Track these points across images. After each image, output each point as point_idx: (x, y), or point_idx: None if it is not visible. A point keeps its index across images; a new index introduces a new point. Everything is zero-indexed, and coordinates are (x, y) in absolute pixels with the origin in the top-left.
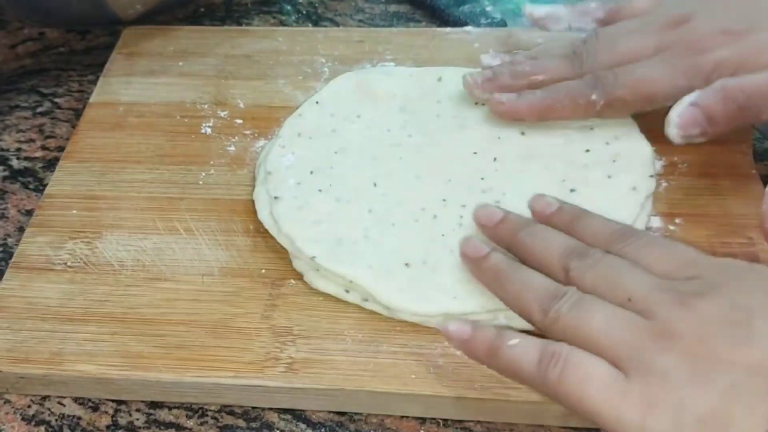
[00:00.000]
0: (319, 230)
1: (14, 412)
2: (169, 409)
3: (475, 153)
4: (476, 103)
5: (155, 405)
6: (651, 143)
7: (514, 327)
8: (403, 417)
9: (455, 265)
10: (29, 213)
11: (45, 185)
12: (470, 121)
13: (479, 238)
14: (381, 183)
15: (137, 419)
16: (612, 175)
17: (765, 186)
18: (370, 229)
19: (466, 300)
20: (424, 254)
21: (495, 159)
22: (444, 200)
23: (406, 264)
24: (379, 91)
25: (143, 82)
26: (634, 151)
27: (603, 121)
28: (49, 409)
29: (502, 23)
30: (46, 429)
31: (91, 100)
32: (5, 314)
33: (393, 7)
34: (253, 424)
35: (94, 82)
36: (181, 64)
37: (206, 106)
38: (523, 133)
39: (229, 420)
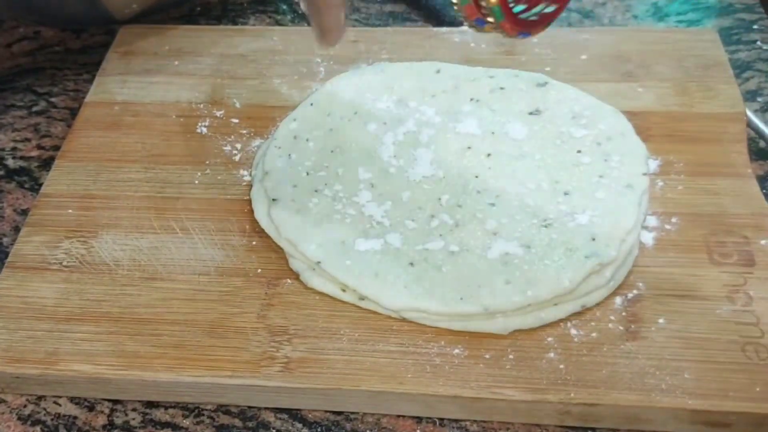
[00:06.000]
0: (319, 233)
1: (10, 412)
2: (165, 408)
3: (469, 148)
4: (471, 99)
5: (151, 404)
6: (645, 143)
7: (513, 327)
8: (399, 416)
9: (456, 264)
10: (25, 212)
11: (40, 184)
12: (464, 115)
13: None
14: (376, 182)
15: (133, 419)
16: (604, 175)
17: (760, 185)
18: (369, 231)
19: (469, 300)
20: (425, 254)
21: (489, 155)
22: (439, 199)
23: (411, 263)
24: (377, 86)
25: (139, 82)
26: (626, 151)
27: (595, 119)
28: (45, 409)
29: None
30: (41, 429)
31: (87, 99)
32: (1, 314)
33: (389, 7)
34: (249, 424)
35: (90, 81)
36: (176, 63)
37: (202, 106)
38: (515, 131)
39: (225, 419)
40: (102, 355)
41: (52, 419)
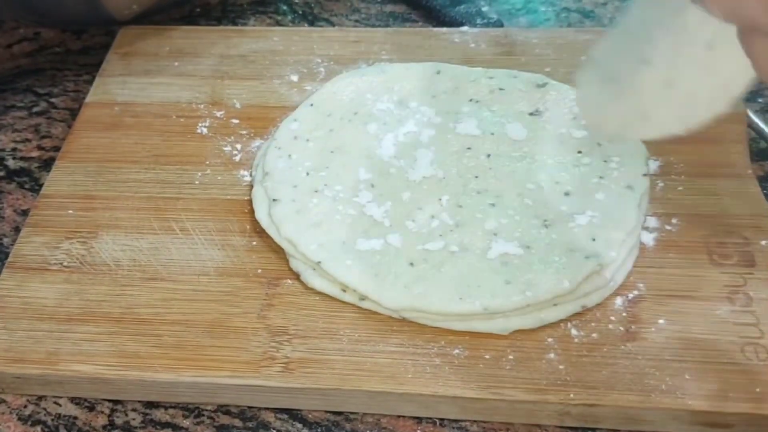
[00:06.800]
0: (319, 233)
1: (10, 413)
2: (165, 408)
3: (468, 149)
4: (471, 100)
5: (151, 405)
6: (645, 143)
7: (513, 328)
8: (399, 416)
9: (456, 265)
10: (25, 213)
11: (41, 185)
12: (464, 116)
13: None
14: (377, 182)
15: (133, 419)
16: (604, 176)
17: (760, 186)
18: (369, 231)
19: (469, 299)
20: (425, 254)
21: (489, 156)
22: (439, 199)
23: (411, 264)
24: (377, 86)
25: (139, 82)
26: (626, 152)
27: None
28: (45, 409)
29: (499, 23)
30: (42, 429)
31: (87, 99)
32: (1, 314)
33: (389, 8)
34: (249, 424)
35: (90, 82)
36: (176, 64)
37: (202, 106)
38: (515, 131)
39: (225, 420)
40: (102, 355)
41: (52, 419)
